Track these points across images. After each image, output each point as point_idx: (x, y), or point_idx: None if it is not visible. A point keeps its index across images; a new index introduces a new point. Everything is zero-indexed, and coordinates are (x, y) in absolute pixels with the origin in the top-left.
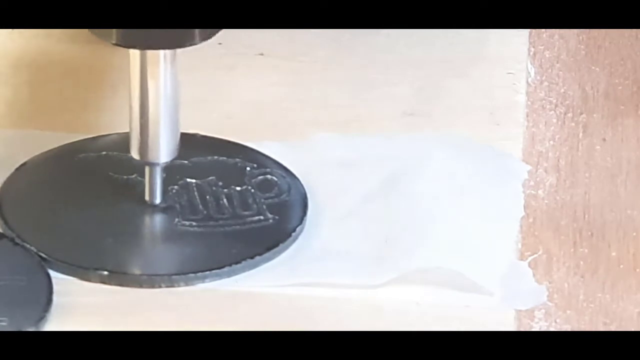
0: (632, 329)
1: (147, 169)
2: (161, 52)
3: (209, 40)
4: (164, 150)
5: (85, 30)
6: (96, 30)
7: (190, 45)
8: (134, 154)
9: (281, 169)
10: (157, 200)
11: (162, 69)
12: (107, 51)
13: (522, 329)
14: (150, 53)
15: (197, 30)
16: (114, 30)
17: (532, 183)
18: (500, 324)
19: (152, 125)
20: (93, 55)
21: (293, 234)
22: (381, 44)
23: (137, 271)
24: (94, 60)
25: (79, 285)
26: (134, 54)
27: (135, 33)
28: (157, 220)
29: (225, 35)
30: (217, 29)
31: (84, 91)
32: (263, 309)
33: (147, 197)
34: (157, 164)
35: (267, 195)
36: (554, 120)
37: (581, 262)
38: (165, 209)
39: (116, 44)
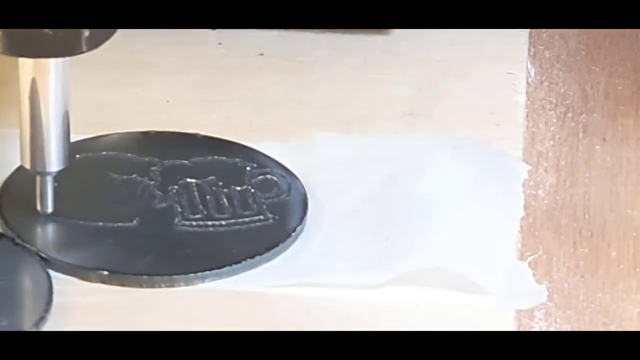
0: (632, 329)
1: (37, 179)
2: (51, 60)
3: (209, 41)
4: (54, 160)
5: None
6: None
7: (79, 53)
8: (25, 163)
9: (281, 169)
10: (49, 210)
11: (52, 77)
12: (107, 51)
13: (522, 329)
14: (39, 62)
15: (84, 38)
16: None
17: (532, 183)
18: (500, 324)
19: (42, 134)
20: (91, 54)
21: (293, 234)
22: (381, 44)
23: (137, 271)
24: (93, 58)
25: (79, 285)
26: (23, 62)
27: (23, 42)
28: (157, 220)
29: (225, 35)
30: (107, 37)
31: (84, 91)
32: (263, 309)
33: (38, 207)
34: (48, 174)
35: (267, 195)
36: (554, 120)
37: (581, 262)
38: (165, 209)
39: (2, 53)
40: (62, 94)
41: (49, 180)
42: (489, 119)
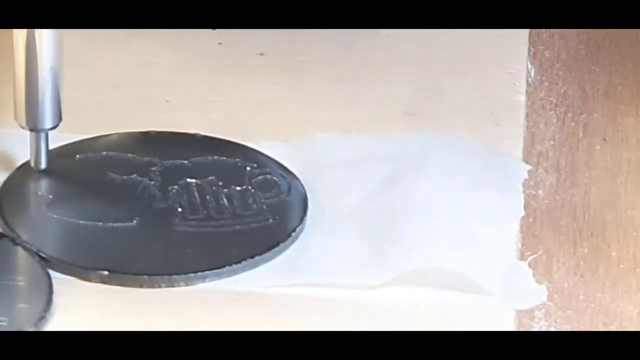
0: (632, 329)
1: (31, 136)
2: None
3: (209, 40)
4: (48, 117)
5: None
6: None
7: None
8: (20, 122)
9: (281, 169)
10: (42, 166)
11: (45, 36)
12: (107, 51)
13: (522, 329)
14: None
15: None
16: None
17: (532, 183)
18: (500, 324)
19: (37, 91)
20: (91, 54)
21: (293, 234)
22: (381, 44)
23: (137, 271)
24: (93, 58)
25: (79, 285)
26: None
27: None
28: (157, 220)
29: (225, 35)
30: None
31: (84, 91)
32: (263, 309)
33: (32, 164)
34: (42, 130)
35: (267, 195)
36: (554, 120)
37: (581, 262)
38: (165, 209)
39: None
40: (55, 51)
41: (43, 137)
42: (489, 119)
